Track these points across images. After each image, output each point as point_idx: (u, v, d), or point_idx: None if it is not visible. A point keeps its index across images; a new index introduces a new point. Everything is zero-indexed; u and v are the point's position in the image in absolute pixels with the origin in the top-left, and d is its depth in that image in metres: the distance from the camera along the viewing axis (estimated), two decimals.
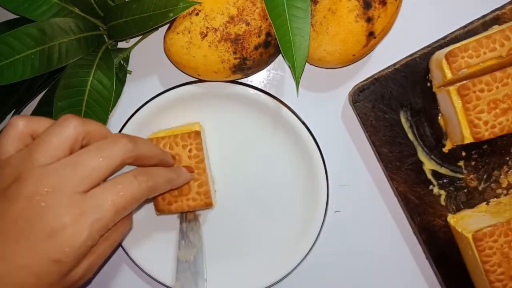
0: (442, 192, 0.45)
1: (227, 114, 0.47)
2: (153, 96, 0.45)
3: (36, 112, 0.45)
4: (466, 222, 0.44)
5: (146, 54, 0.47)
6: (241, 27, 0.40)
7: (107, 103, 0.42)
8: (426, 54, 0.44)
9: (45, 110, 0.44)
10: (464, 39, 0.42)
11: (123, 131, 0.45)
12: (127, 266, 0.49)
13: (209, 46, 0.41)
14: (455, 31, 0.44)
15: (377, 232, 0.48)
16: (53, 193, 0.30)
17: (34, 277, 0.29)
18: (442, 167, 0.45)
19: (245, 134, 0.47)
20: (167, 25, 0.43)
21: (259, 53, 0.42)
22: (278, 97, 0.45)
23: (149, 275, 0.47)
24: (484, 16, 0.44)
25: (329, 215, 0.47)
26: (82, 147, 0.33)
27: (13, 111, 0.46)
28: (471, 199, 0.45)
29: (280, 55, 0.46)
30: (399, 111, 0.45)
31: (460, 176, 0.45)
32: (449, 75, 0.40)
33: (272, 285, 0.47)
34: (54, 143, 0.31)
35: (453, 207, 0.45)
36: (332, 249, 0.48)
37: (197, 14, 0.41)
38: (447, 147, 0.45)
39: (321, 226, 0.46)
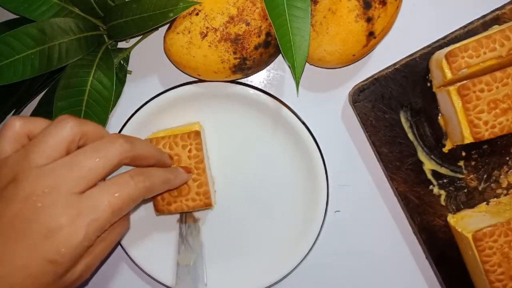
0: (442, 192, 0.45)
1: (227, 114, 0.47)
2: (153, 96, 0.45)
3: (36, 112, 0.45)
4: (466, 222, 0.44)
5: (146, 54, 0.47)
6: (241, 27, 0.40)
7: (107, 103, 0.42)
8: (426, 54, 0.44)
9: (45, 110, 0.44)
10: (464, 39, 0.42)
11: (123, 131, 0.45)
12: (127, 266, 0.49)
13: (209, 46, 0.41)
14: (455, 31, 0.44)
15: (377, 232, 0.48)
16: (49, 193, 0.30)
17: (31, 278, 0.29)
18: (442, 167, 0.45)
19: (245, 134, 0.47)
20: (167, 25, 0.43)
21: (259, 53, 0.42)
22: (278, 97, 0.45)
23: (149, 275, 0.47)
24: (484, 16, 0.44)
25: (329, 215, 0.47)
26: (78, 147, 0.33)
27: (13, 111, 0.46)
28: (471, 199, 0.45)
29: (280, 55, 0.46)
30: (399, 111, 0.45)
31: (460, 176, 0.45)
32: (449, 75, 0.40)
33: (272, 285, 0.47)
34: (51, 144, 0.31)
35: (453, 207, 0.45)
36: (332, 249, 0.48)
37: (197, 14, 0.41)
38: (447, 147, 0.45)
39: (321, 226, 0.46)
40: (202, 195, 0.43)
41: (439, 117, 0.45)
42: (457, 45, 0.40)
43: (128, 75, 0.47)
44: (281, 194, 0.47)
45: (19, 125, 0.32)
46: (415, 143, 0.45)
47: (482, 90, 0.40)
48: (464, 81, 0.40)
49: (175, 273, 0.46)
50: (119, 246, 0.47)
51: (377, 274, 0.48)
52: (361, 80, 0.45)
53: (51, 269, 0.30)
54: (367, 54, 0.44)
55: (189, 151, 0.43)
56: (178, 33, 0.41)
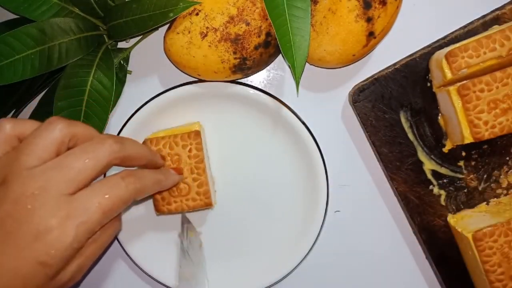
0: (442, 192, 0.45)
1: (227, 114, 0.47)
2: (153, 96, 0.45)
3: (36, 112, 0.45)
4: (466, 222, 0.44)
5: (146, 54, 0.47)
6: (241, 27, 0.40)
7: (107, 103, 0.42)
8: (426, 54, 0.44)
9: (45, 110, 0.44)
10: (464, 39, 0.42)
11: (123, 131, 0.45)
12: (127, 266, 0.49)
13: (209, 46, 0.41)
14: (455, 31, 0.44)
15: (377, 232, 0.48)
16: (39, 195, 0.30)
17: (21, 279, 0.29)
18: (442, 167, 0.45)
19: (245, 134, 0.47)
20: (167, 25, 0.43)
21: (259, 53, 0.42)
22: (278, 97, 0.45)
23: (149, 275, 0.47)
24: (484, 16, 0.44)
25: (329, 215, 0.47)
26: (69, 149, 0.33)
27: (13, 111, 0.46)
28: (471, 199, 0.45)
29: (280, 55, 0.46)
30: (399, 111, 0.45)
31: (460, 176, 0.45)
32: (449, 75, 0.40)
33: (272, 285, 0.47)
34: (40, 145, 0.31)
35: (453, 207, 0.45)
36: (332, 249, 0.48)
37: (197, 14, 0.41)
38: (447, 147, 0.45)
39: (321, 226, 0.46)
40: (202, 195, 0.43)
41: (439, 117, 0.45)
42: (457, 45, 0.40)
43: (128, 75, 0.47)
44: (281, 194, 0.47)
45: (9, 127, 0.32)
46: (415, 143, 0.45)
47: (482, 90, 0.40)
48: (464, 81, 0.40)
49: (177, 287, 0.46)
50: (119, 246, 0.47)
51: (377, 274, 0.48)
52: (361, 80, 0.45)
53: (41, 271, 0.29)
54: (367, 54, 0.44)
55: (189, 151, 0.43)
56: (178, 33, 0.41)
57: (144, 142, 0.43)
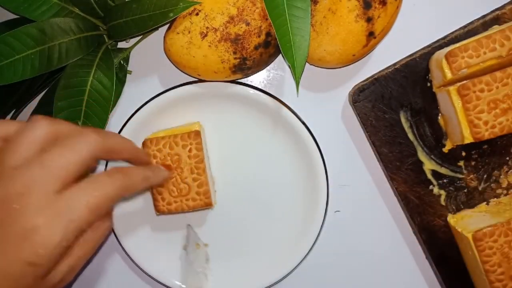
0: (442, 192, 0.45)
1: (227, 114, 0.47)
2: (153, 96, 0.45)
3: (36, 112, 0.45)
4: (466, 222, 0.44)
5: (146, 54, 0.47)
6: (241, 27, 0.40)
7: (107, 103, 0.42)
8: (426, 54, 0.44)
9: (45, 110, 0.44)
10: (464, 39, 0.42)
11: (123, 131, 0.45)
12: (127, 266, 0.49)
13: (209, 46, 0.41)
14: (455, 31, 0.44)
15: (377, 232, 0.48)
16: (25, 194, 0.29)
17: (10, 280, 0.29)
18: (442, 167, 0.45)
19: (245, 134, 0.47)
20: (167, 25, 0.43)
21: (259, 53, 0.42)
22: (278, 97, 0.45)
23: (149, 275, 0.47)
24: (484, 16, 0.44)
25: (329, 215, 0.47)
26: None
27: (13, 111, 0.46)
28: (471, 199, 0.45)
29: (280, 55, 0.46)
30: (399, 111, 0.45)
31: (460, 176, 0.45)
32: (449, 75, 0.40)
33: (272, 285, 0.47)
34: (24, 144, 0.31)
35: (453, 207, 0.45)
36: (332, 249, 0.48)
37: (197, 14, 0.41)
38: (447, 147, 0.45)
39: (321, 226, 0.46)
40: (202, 194, 0.43)
41: (439, 117, 0.45)
42: (457, 45, 0.40)
43: (128, 75, 0.47)
44: (281, 194, 0.47)
45: None
46: (415, 143, 0.45)
47: (482, 90, 0.40)
48: (464, 81, 0.40)
49: None
50: (119, 246, 0.47)
51: (377, 274, 0.48)
52: (361, 80, 0.45)
53: (30, 271, 0.29)
54: (367, 54, 0.44)
55: (189, 150, 0.43)
56: (178, 33, 0.41)
57: (144, 142, 0.43)
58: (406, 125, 0.45)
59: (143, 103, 0.45)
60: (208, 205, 0.44)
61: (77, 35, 0.42)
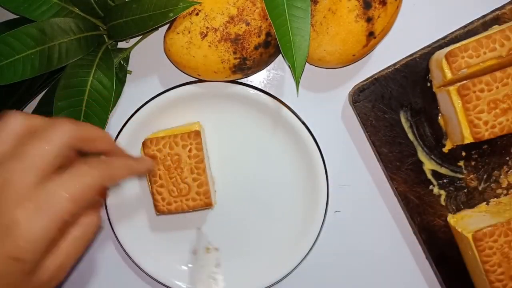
0: (442, 192, 0.45)
1: (227, 114, 0.47)
2: (153, 96, 0.45)
3: (36, 112, 0.45)
4: (466, 222, 0.44)
5: (146, 54, 0.47)
6: (241, 27, 0.40)
7: (107, 103, 0.42)
8: (426, 54, 0.44)
9: (45, 110, 0.44)
10: (464, 39, 0.42)
11: (123, 131, 0.45)
12: (127, 266, 0.49)
13: (209, 46, 0.41)
14: (455, 31, 0.44)
15: (377, 232, 0.48)
16: (4, 188, 0.29)
17: None
18: (442, 167, 0.45)
19: (245, 134, 0.47)
20: (167, 25, 0.43)
21: (259, 53, 0.42)
22: (278, 97, 0.45)
23: (149, 275, 0.47)
24: (484, 16, 0.44)
25: (329, 215, 0.47)
26: None
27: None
28: (471, 199, 0.45)
29: (280, 55, 0.46)
30: (399, 111, 0.45)
31: (460, 176, 0.45)
32: (449, 75, 0.40)
33: (272, 285, 0.47)
34: (0, 139, 0.31)
35: (453, 207, 0.45)
36: (332, 249, 0.48)
37: (197, 14, 0.41)
38: (447, 147, 0.45)
39: (321, 226, 0.46)
40: (202, 194, 0.43)
41: (439, 117, 0.45)
42: (457, 45, 0.40)
43: (128, 75, 0.47)
44: (281, 194, 0.47)
45: None
46: (415, 143, 0.45)
47: (482, 90, 0.40)
48: (464, 81, 0.40)
49: None
50: (120, 246, 0.47)
51: (377, 274, 0.48)
52: (361, 80, 0.45)
53: (16, 267, 0.29)
54: (367, 54, 0.44)
55: (189, 150, 0.43)
56: (178, 33, 0.41)
57: (144, 142, 0.43)
58: (406, 125, 0.45)
59: (143, 103, 0.45)
60: (208, 205, 0.44)
61: (77, 35, 0.42)
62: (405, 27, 0.46)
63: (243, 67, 0.42)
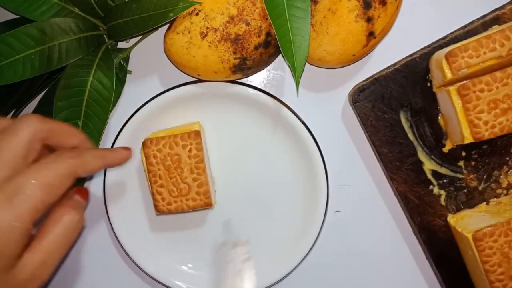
0: (442, 192, 0.45)
1: (227, 114, 0.47)
2: (153, 96, 0.45)
3: (36, 112, 0.45)
4: (466, 222, 0.44)
5: (146, 54, 0.47)
6: (241, 27, 0.40)
7: (107, 103, 0.42)
8: (426, 54, 0.44)
9: (45, 110, 0.44)
10: (464, 39, 0.42)
11: (123, 131, 0.45)
12: (127, 266, 0.49)
13: (209, 46, 0.41)
14: (455, 31, 0.44)
15: (377, 232, 0.48)
16: None
17: None
18: (442, 167, 0.45)
19: (245, 134, 0.47)
20: (167, 25, 0.43)
21: (259, 53, 0.42)
22: (278, 97, 0.45)
23: (149, 275, 0.47)
24: (484, 16, 0.44)
25: (329, 215, 0.47)
26: None
27: (13, 111, 0.46)
28: (471, 199, 0.45)
29: (280, 55, 0.46)
30: (399, 111, 0.45)
31: (460, 176, 0.45)
32: (449, 75, 0.40)
33: (272, 285, 0.47)
34: None
35: (453, 207, 0.45)
36: (332, 249, 0.48)
37: (197, 14, 0.41)
38: (447, 147, 0.45)
39: (321, 226, 0.46)
40: (202, 195, 0.43)
41: (439, 117, 0.45)
42: (457, 45, 0.40)
43: (128, 75, 0.47)
44: (281, 194, 0.47)
45: None
46: (415, 143, 0.45)
47: (482, 90, 0.40)
48: (464, 81, 0.40)
49: None
50: (120, 246, 0.47)
51: (377, 274, 0.48)
52: (361, 80, 0.45)
53: None
54: (367, 54, 0.44)
55: (189, 150, 0.43)
56: (178, 33, 0.41)
57: (144, 142, 0.43)
58: (406, 125, 0.45)
59: (143, 103, 0.45)
60: (208, 205, 0.44)
61: (77, 35, 0.42)
62: (405, 27, 0.46)
63: (243, 67, 0.42)
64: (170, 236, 0.48)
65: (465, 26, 0.44)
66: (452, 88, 0.41)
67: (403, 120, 0.45)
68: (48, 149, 0.34)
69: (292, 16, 0.39)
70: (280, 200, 0.48)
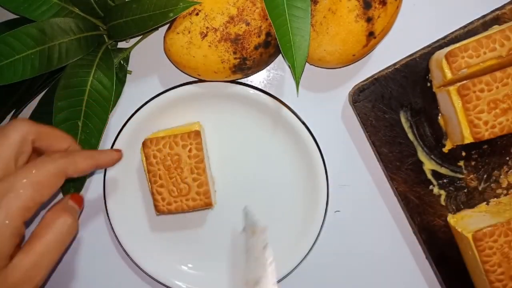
0: (442, 192, 0.45)
1: (227, 114, 0.47)
2: (153, 96, 0.45)
3: (36, 112, 0.45)
4: (466, 222, 0.44)
5: (146, 54, 0.47)
6: (241, 27, 0.40)
7: (107, 103, 0.42)
8: (426, 54, 0.44)
9: (45, 110, 0.44)
10: (464, 39, 0.42)
11: (123, 131, 0.45)
12: (127, 266, 0.49)
13: (209, 46, 0.41)
14: (455, 31, 0.44)
15: (377, 232, 0.48)
16: None
17: None
18: (442, 167, 0.45)
19: (245, 134, 0.47)
20: (167, 25, 0.43)
21: (259, 53, 0.42)
22: (278, 97, 0.45)
23: (149, 275, 0.47)
24: (484, 16, 0.44)
25: (329, 215, 0.47)
26: None
27: (13, 111, 0.46)
28: (471, 199, 0.45)
29: (280, 55, 0.46)
30: (399, 111, 0.45)
31: (460, 176, 0.45)
32: (449, 75, 0.40)
33: None
34: None
35: (453, 207, 0.45)
36: (332, 249, 0.48)
37: (197, 14, 0.41)
38: (447, 147, 0.45)
39: (321, 226, 0.46)
40: (202, 194, 0.43)
41: (439, 117, 0.45)
42: (457, 45, 0.40)
43: (128, 75, 0.47)
44: (281, 194, 0.47)
45: None
46: (415, 143, 0.45)
47: (482, 90, 0.40)
48: (464, 81, 0.40)
49: None
50: (119, 246, 0.47)
51: (377, 274, 0.48)
52: (361, 80, 0.45)
53: None
54: (367, 54, 0.44)
55: (189, 150, 0.43)
56: (178, 33, 0.41)
57: (144, 142, 0.43)
58: (406, 125, 0.45)
59: (143, 103, 0.45)
60: (208, 205, 0.44)
61: (77, 35, 0.42)
62: (405, 27, 0.46)
63: (243, 67, 0.42)
64: (170, 236, 0.48)
65: (465, 26, 0.44)
66: (452, 88, 0.41)
67: (403, 120, 0.45)
68: (38, 154, 0.35)
69: (292, 16, 0.39)
70: (280, 200, 0.48)
